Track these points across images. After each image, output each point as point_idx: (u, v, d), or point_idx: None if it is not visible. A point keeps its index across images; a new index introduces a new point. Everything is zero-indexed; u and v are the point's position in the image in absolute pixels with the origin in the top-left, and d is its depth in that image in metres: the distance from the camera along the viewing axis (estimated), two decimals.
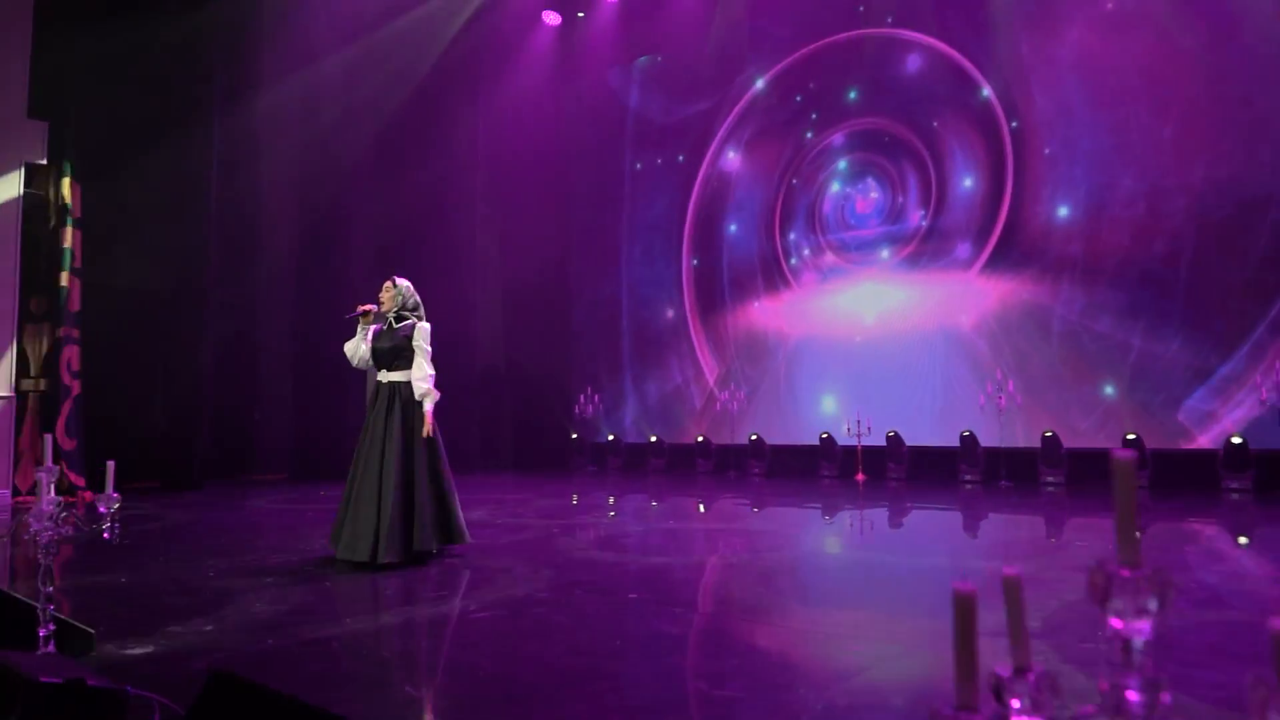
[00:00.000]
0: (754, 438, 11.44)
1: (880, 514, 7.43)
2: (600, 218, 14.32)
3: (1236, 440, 7.94)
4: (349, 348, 5.02)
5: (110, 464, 2.82)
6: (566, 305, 14.59)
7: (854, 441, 10.28)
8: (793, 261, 12.00)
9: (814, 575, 4.87)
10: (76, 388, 9.17)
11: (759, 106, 12.55)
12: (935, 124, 10.79)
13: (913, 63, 11.07)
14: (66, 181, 9.25)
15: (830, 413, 11.18)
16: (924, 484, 9.62)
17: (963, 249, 10.43)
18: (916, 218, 10.91)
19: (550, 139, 14.23)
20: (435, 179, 12.96)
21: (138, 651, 3.05)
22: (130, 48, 9.59)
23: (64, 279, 9.17)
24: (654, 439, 12.73)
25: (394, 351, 4.90)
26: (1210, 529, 6.07)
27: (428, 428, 4.81)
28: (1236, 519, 6.47)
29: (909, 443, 10.18)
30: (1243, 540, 5.76)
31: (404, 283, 5.06)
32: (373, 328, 5.04)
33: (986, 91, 10.34)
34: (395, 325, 4.96)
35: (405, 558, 4.65)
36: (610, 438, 13.22)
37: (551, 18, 13.95)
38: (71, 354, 9.19)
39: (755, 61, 12.58)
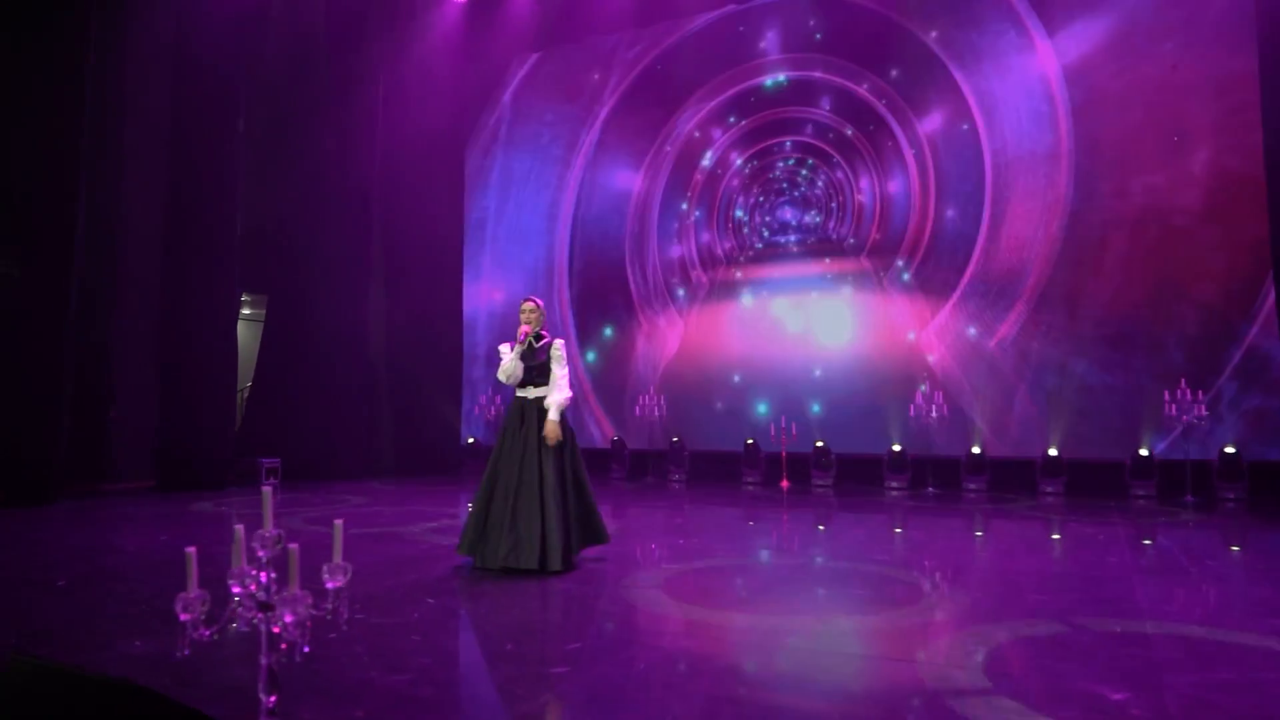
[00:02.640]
0: (675, 441, 11.30)
1: (807, 523, 7.49)
2: (490, 208, 13.65)
3: (1144, 452, 8.79)
4: (507, 370, 5.12)
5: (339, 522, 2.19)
6: (461, 300, 13.72)
7: (778, 448, 10.39)
8: (695, 272, 11.93)
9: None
10: None
11: (634, 97, 12.40)
12: (871, 127, 10.86)
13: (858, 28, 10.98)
14: None
15: (756, 419, 11.19)
16: (851, 491, 9.84)
17: (897, 262, 10.64)
18: (847, 228, 11.00)
19: (447, 124, 13.36)
20: (323, 160, 11.78)
21: None
22: None
23: None
24: None
25: (538, 368, 5.14)
26: (1123, 530, 6.62)
27: (550, 431, 4.95)
28: (1139, 521, 7.12)
29: (835, 450, 10.36)
30: (1147, 541, 6.32)
31: (539, 300, 5.32)
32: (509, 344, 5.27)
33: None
34: (535, 344, 5.17)
35: (568, 565, 4.92)
36: None
37: None
38: None
39: (651, 48, 12.39)
